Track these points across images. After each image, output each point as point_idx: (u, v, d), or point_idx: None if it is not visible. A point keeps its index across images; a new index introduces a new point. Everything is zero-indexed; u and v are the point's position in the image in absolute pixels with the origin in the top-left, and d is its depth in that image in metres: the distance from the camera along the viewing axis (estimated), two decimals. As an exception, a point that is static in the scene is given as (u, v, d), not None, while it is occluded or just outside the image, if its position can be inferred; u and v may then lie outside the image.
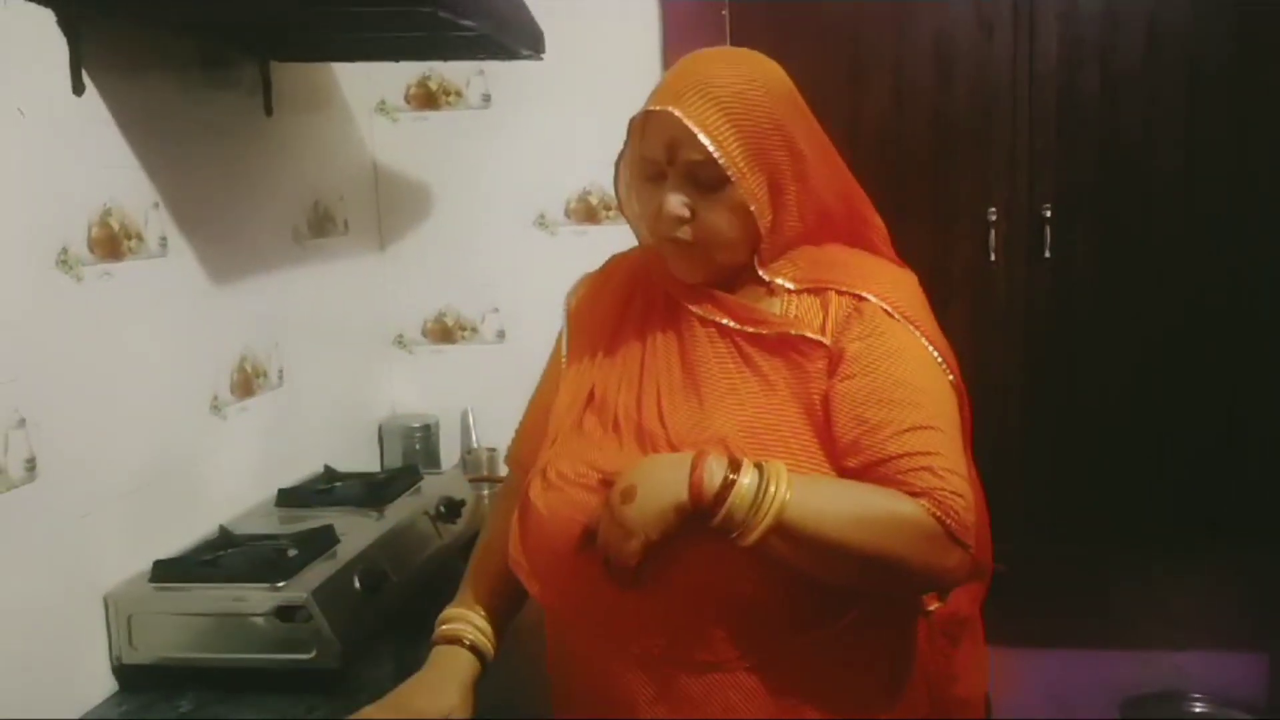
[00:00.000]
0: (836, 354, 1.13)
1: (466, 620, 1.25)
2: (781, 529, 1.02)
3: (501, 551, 1.25)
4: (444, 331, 2.45)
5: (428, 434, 2.35)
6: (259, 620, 1.41)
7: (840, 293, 1.16)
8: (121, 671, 1.45)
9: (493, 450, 2.33)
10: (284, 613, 1.40)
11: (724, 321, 1.18)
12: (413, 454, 2.30)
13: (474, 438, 2.38)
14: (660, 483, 1.05)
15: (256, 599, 1.42)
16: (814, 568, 1.07)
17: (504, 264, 2.42)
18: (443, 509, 1.85)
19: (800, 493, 1.03)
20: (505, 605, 1.29)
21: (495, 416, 2.37)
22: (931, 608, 1.26)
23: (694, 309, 1.19)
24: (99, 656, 1.43)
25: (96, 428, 1.45)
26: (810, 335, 1.14)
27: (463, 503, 1.89)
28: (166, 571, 1.48)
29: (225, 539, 1.59)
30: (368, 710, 1.17)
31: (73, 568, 1.40)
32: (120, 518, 1.49)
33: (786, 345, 1.15)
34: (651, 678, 1.13)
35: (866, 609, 1.14)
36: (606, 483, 1.10)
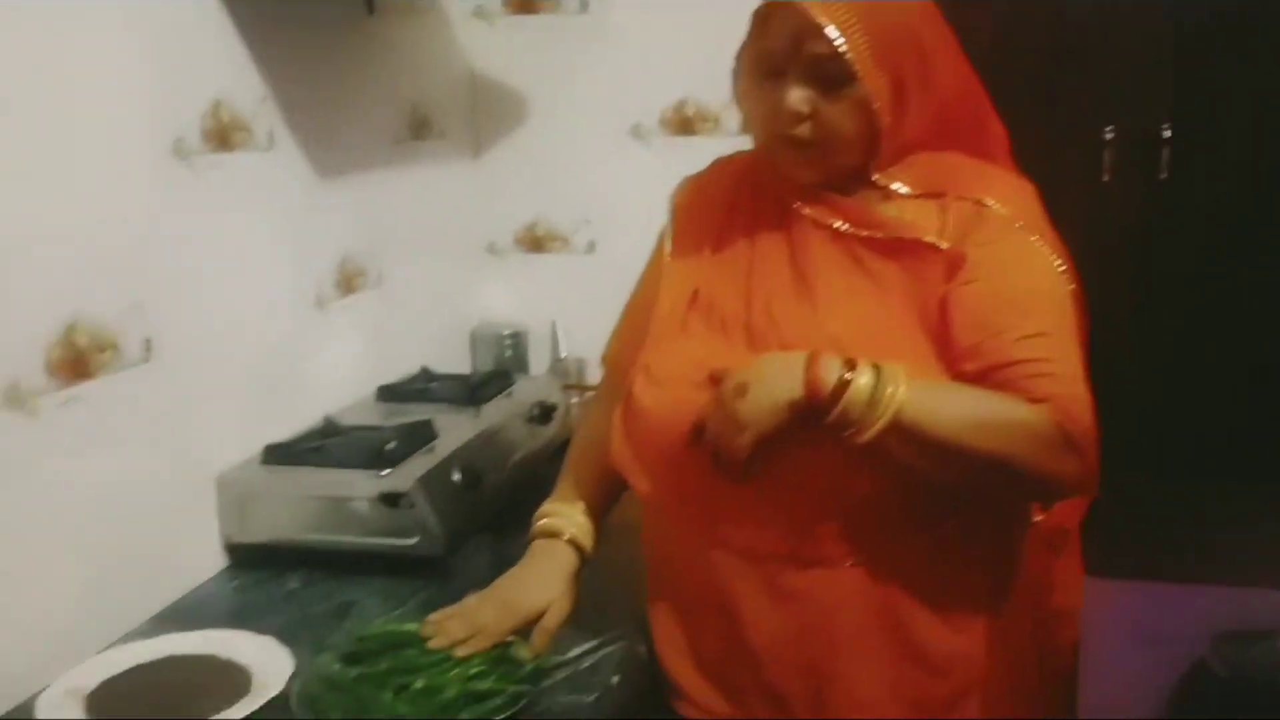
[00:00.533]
0: (956, 258, 1.10)
1: (565, 515, 1.27)
2: (898, 428, 1.01)
3: (599, 449, 1.26)
4: (535, 241, 2.45)
5: (517, 342, 2.36)
6: (364, 506, 1.45)
7: (959, 198, 1.13)
8: (233, 550, 1.50)
9: (581, 361, 2.35)
10: (389, 499, 1.43)
11: (838, 225, 1.16)
12: (502, 361, 2.31)
13: (562, 348, 2.39)
14: (775, 378, 1.04)
15: (362, 485, 1.45)
16: (929, 469, 1.06)
17: (597, 175, 2.39)
18: (536, 412, 1.87)
19: (918, 393, 1.02)
20: (603, 502, 1.30)
21: (583, 328, 2.37)
22: (1037, 518, 1.25)
23: (807, 211, 1.17)
24: (211, 535, 1.49)
25: (209, 314, 1.48)
26: (928, 239, 1.12)
27: (555, 407, 1.91)
28: (276, 455, 1.52)
29: (330, 428, 1.63)
30: (470, 600, 1.20)
31: (187, 448, 1.45)
32: (231, 403, 1.53)
33: (902, 249, 1.13)
34: (755, 572, 1.14)
35: (976, 513, 1.13)
36: (715, 380, 1.10)
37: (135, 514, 1.35)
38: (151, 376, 1.37)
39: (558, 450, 1.83)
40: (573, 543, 1.25)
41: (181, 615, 1.36)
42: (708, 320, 1.19)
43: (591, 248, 2.43)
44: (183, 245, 1.43)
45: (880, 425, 1.01)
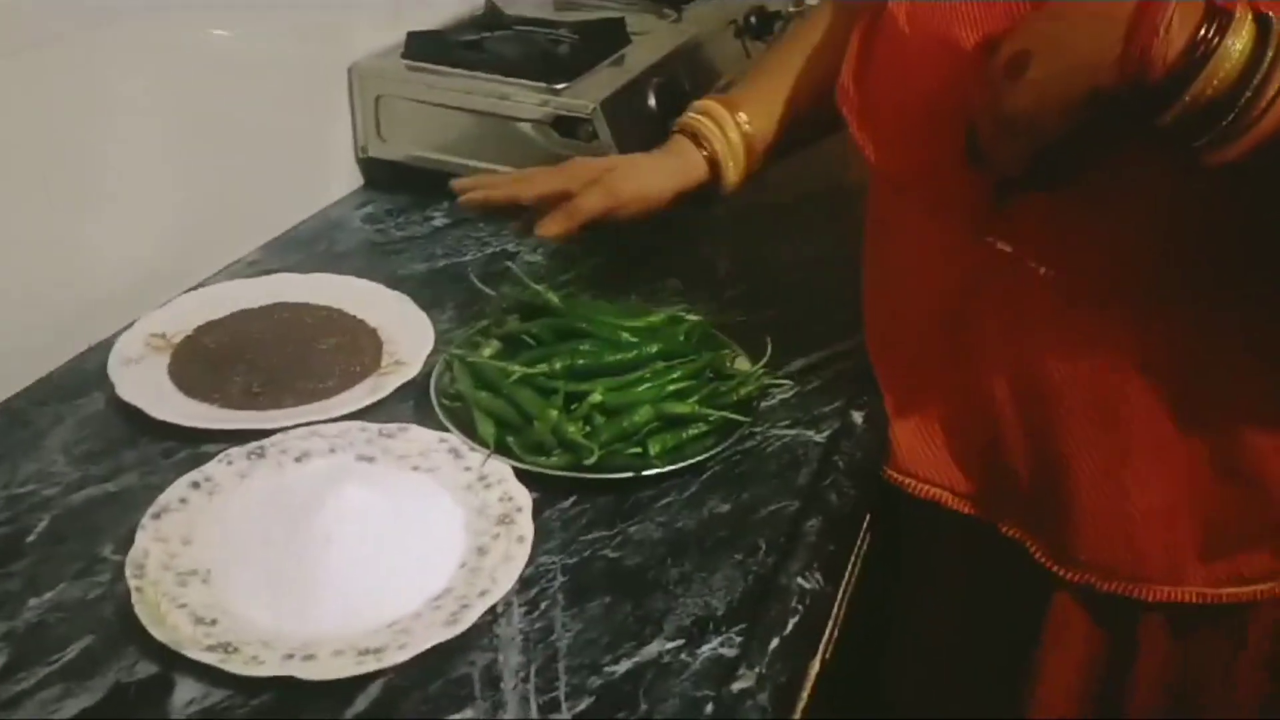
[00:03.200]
0: None
1: (721, 123, 0.93)
2: None
3: (809, 63, 0.92)
4: None
5: (729, -75, 1.87)
6: (529, 129, 1.11)
7: None
8: (366, 167, 1.20)
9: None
10: (563, 124, 1.09)
11: None
12: (708, -51, 1.85)
13: (786, -62, 1.89)
14: (1073, 44, 0.62)
15: (530, 101, 1.10)
16: None
17: None
18: (753, 20, 1.44)
19: None
20: (784, 135, 0.94)
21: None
22: None
23: None
24: (342, 146, 1.18)
25: None
26: None
27: (778, 15, 1.47)
28: (423, 48, 1.16)
29: (493, 17, 1.25)
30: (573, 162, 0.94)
31: (316, 22, 1.10)
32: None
33: None
34: (1016, 299, 0.79)
35: None
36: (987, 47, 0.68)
37: (243, 104, 1.04)
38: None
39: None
40: (711, 160, 0.92)
41: (298, 246, 1.09)
42: None
43: None
44: None
45: (1266, 127, 0.58)
